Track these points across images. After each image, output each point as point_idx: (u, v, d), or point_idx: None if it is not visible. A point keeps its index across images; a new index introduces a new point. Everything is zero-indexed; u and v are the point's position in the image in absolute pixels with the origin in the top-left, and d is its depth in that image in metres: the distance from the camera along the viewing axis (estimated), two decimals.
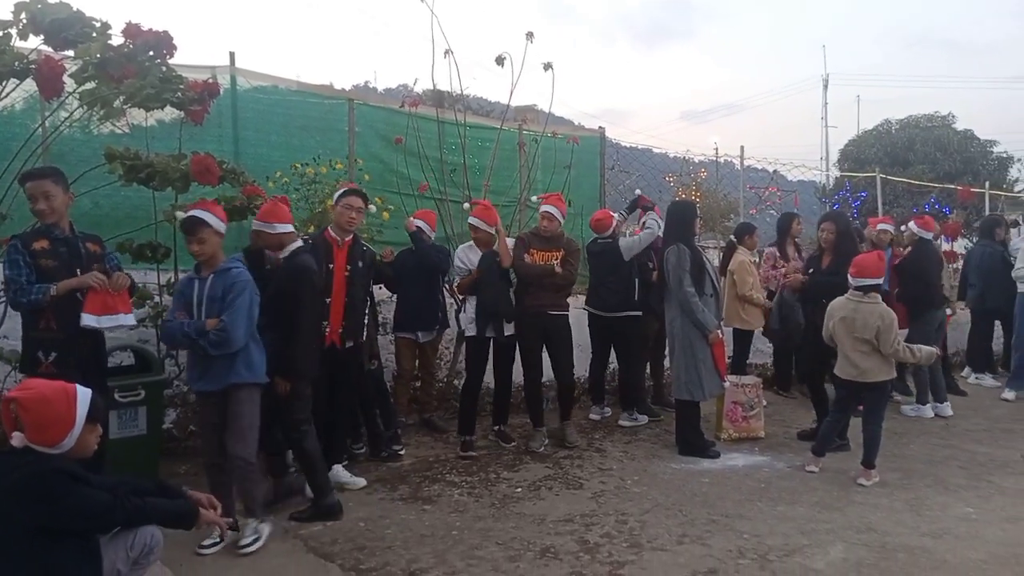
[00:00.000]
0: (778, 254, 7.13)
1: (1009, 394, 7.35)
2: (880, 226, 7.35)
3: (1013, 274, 7.37)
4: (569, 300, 5.70)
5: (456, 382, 6.51)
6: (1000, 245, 7.92)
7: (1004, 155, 21.69)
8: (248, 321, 3.73)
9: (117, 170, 4.46)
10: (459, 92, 6.75)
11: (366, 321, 4.86)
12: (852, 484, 4.79)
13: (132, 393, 4.41)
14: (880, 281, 4.90)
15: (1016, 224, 10.30)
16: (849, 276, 4.89)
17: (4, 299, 4.00)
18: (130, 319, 3.83)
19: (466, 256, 5.58)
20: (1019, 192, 17.29)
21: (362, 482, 4.69)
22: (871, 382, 4.84)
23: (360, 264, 4.67)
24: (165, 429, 4.89)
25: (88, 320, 3.62)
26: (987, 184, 14.02)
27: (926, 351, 4.91)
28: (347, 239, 4.64)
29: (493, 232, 5.47)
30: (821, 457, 5.08)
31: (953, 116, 23.22)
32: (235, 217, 4.61)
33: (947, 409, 6.68)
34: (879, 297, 4.87)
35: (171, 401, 5.15)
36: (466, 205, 5.64)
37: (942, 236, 8.47)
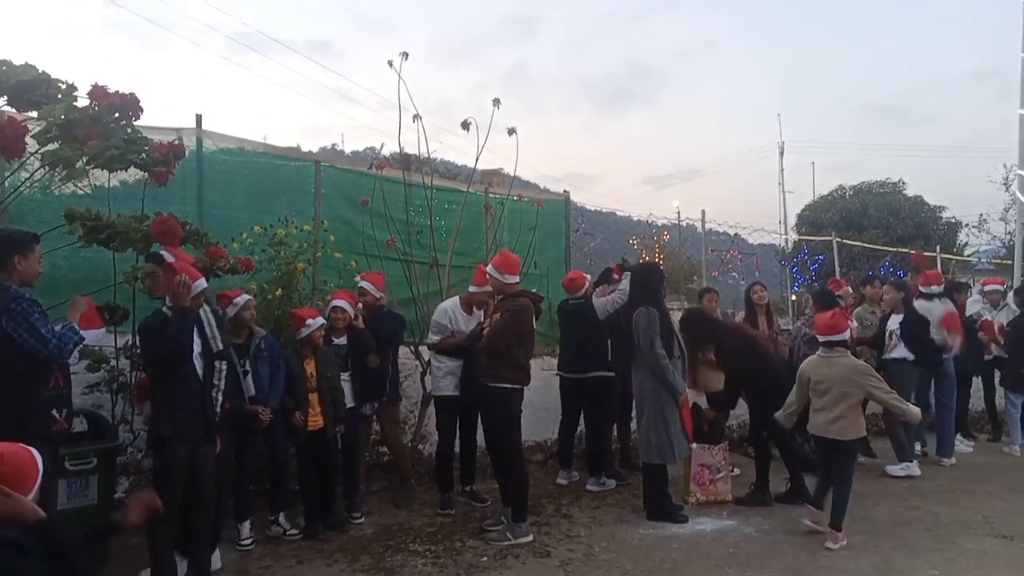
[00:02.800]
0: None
1: (948, 461, 7.18)
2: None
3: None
4: (533, 363, 5.38)
5: (420, 446, 6.39)
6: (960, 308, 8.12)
7: (953, 220, 22.47)
8: None
9: (77, 231, 4.40)
10: (426, 155, 6.83)
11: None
12: (820, 548, 4.76)
13: (83, 461, 4.24)
14: (837, 337, 5.02)
15: (967, 287, 10.60)
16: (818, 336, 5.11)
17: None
18: (103, 331, 4.14)
19: (450, 314, 5.57)
20: (968, 256, 17.90)
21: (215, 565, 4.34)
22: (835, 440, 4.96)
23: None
24: (117, 499, 4.69)
25: (92, 336, 3.80)
26: (938, 248, 14.51)
27: (913, 410, 5.03)
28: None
29: (486, 294, 5.46)
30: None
31: (903, 182, 24.08)
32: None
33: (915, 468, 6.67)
34: (846, 351, 5.08)
35: (124, 469, 4.96)
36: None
37: None
